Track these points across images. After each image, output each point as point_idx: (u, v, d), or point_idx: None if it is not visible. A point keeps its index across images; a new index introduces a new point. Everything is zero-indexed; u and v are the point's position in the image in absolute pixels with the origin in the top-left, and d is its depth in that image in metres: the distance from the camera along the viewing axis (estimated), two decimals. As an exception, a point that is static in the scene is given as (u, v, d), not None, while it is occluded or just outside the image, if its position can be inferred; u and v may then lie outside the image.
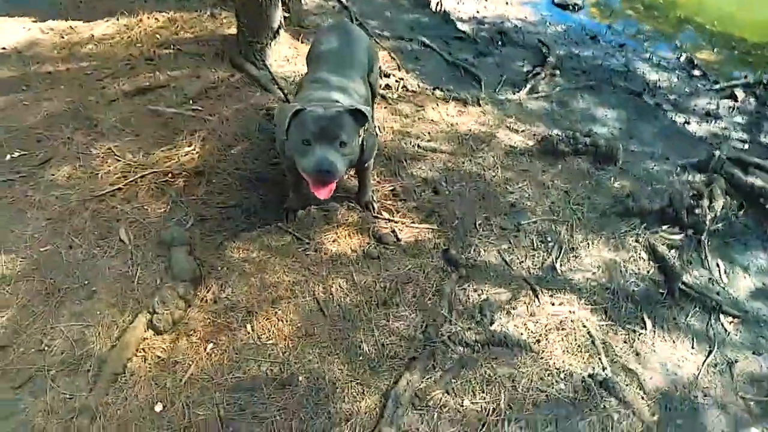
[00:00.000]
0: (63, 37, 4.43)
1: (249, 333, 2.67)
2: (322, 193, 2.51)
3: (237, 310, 2.74)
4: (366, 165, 3.12)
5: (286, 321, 2.73)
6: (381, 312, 2.82)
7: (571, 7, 6.87)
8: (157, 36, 4.38)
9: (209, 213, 3.19)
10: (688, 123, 5.03)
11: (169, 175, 3.35)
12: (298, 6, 5.03)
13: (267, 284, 2.87)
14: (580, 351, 2.87)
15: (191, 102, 3.88)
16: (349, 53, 3.23)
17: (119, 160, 3.41)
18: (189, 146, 3.56)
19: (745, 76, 5.80)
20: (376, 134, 2.71)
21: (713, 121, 5.12)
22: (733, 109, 5.32)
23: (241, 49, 4.17)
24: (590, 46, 6.06)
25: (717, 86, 5.61)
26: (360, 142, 2.74)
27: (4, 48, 4.28)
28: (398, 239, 3.22)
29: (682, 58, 6.06)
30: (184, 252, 2.84)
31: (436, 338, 2.73)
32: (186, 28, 4.49)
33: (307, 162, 2.48)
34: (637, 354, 2.96)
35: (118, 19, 4.54)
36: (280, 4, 4.13)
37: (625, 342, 3.00)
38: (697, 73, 5.83)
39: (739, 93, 5.46)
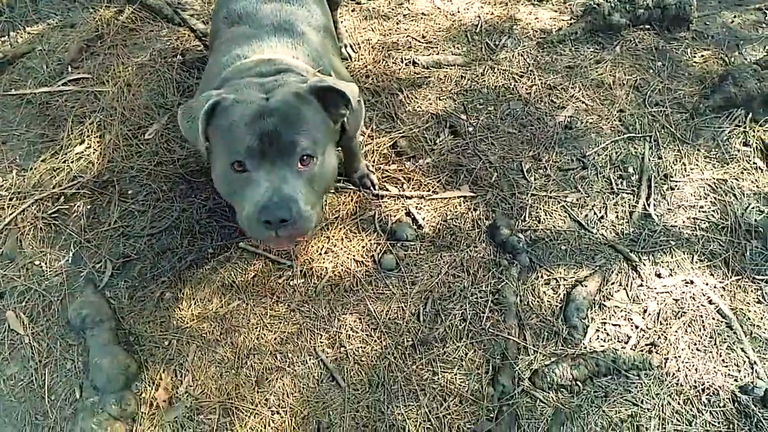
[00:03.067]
0: None
1: (234, 442, 1.75)
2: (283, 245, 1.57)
3: (206, 410, 1.79)
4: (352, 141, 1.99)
5: (286, 410, 1.79)
6: (422, 359, 1.87)
7: None
8: (-2, -30, 2.95)
9: (133, 249, 2.11)
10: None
11: (62, 198, 2.23)
12: None
13: (243, 353, 1.89)
14: (715, 345, 1.95)
15: (70, 69, 2.61)
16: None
17: (-16, 191, 2.27)
18: (81, 143, 2.38)
19: None
20: (360, 100, 1.58)
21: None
22: None
23: (123, -35, 2.78)
24: None
25: None
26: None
27: None
28: (419, 227, 2.18)
29: None
30: (106, 337, 1.83)
31: (514, 388, 1.80)
32: (37, -51, 3.03)
33: (245, 206, 1.38)
34: (780, 314, 2.06)
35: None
36: None
37: (759, 302, 2.08)
38: None
39: None
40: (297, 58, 1.63)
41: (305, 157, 1.41)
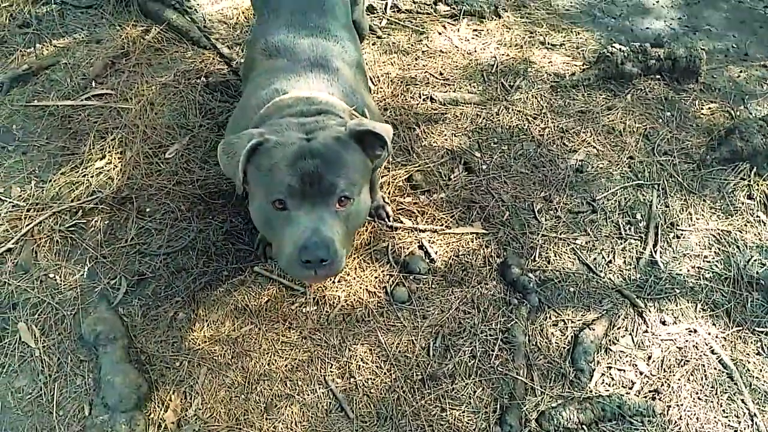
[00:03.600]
0: None
1: (241, 467, 1.75)
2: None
3: (215, 434, 1.80)
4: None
5: (293, 438, 1.80)
6: (430, 394, 1.89)
7: None
8: (29, -16, 3.02)
9: (149, 267, 2.14)
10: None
11: (79, 212, 2.25)
12: None
13: (253, 378, 1.90)
14: (716, 395, 1.98)
15: (94, 84, 2.66)
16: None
17: (3, 200, 2.28)
18: (101, 159, 2.41)
19: None
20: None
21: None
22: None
23: (152, -13, 2.85)
24: None
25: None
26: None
27: None
28: (432, 260, 2.21)
29: None
30: (119, 355, 1.84)
31: (521, 428, 1.82)
32: (68, -35, 3.10)
33: (284, 244, 1.42)
34: (778, 369, 2.10)
35: (-31, -35, 3.13)
36: None
37: (758, 354, 2.13)
38: None
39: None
40: (333, 95, 1.68)
41: (343, 199, 1.45)
